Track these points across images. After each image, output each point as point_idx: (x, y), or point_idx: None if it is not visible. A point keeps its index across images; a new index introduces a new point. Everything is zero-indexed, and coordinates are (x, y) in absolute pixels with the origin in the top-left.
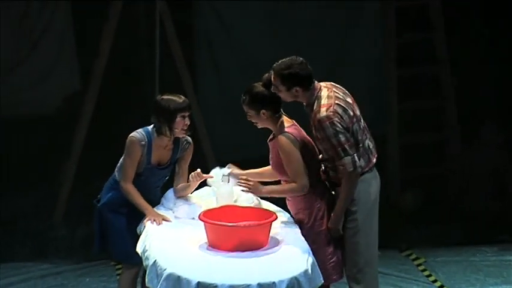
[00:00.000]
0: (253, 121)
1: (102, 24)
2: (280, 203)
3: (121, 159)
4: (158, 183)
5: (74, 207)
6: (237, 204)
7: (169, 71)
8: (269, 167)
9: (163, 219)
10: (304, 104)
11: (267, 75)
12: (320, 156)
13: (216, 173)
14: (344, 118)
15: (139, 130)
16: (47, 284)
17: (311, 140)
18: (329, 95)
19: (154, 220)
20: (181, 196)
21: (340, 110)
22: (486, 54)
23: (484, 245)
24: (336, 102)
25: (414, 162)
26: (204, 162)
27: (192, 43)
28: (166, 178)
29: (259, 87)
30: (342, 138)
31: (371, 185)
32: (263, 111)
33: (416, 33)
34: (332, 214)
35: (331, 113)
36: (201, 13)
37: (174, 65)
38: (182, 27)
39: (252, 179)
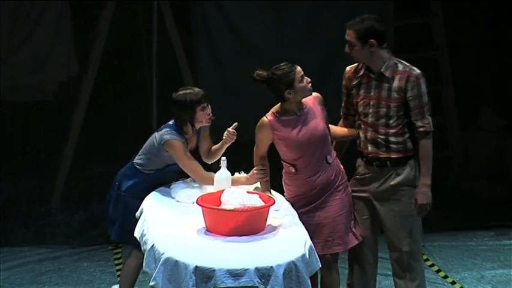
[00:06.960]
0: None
1: (100, 10)
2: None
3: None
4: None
5: (71, 192)
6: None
7: (167, 57)
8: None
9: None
10: (373, 69)
11: (258, 72)
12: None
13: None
14: None
15: (169, 131)
16: (45, 268)
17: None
18: None
19: None
20: (215, 157)
21: None
22: (485, 39)
23: (481, 229)
24: None
25: None
26: None
27: (190, 30)
28: None
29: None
30: (428, 98)
31: None
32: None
33: (415, 18)
34: (420, 187)
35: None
36: (200, 0)
37: (172, 51)
38: (180, 14)
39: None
